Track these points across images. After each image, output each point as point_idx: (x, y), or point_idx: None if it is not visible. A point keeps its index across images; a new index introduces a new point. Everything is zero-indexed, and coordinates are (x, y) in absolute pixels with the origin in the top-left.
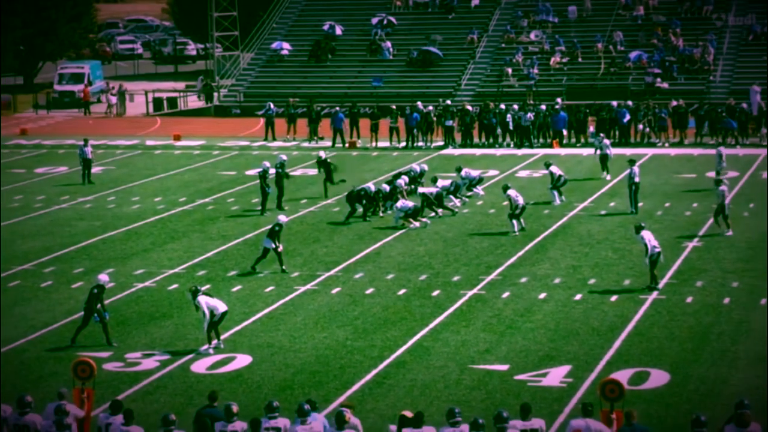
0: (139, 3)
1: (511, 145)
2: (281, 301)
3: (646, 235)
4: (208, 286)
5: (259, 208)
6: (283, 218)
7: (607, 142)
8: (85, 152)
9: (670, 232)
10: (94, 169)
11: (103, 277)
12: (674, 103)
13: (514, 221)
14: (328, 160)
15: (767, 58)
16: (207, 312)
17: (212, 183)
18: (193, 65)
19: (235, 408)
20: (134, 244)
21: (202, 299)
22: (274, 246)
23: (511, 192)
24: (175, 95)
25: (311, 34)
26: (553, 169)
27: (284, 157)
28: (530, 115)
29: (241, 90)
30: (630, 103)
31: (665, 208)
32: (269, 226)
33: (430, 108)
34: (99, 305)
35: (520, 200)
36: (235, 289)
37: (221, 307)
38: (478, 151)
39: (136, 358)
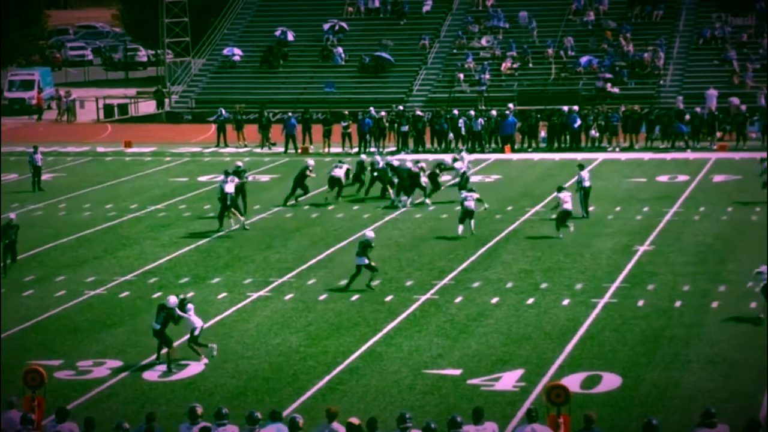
0: (90, 9)
1: (464, 151)
2: (234, 308)
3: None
4: (191, 294)
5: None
6: (370, 233)
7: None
8: (35, 159)
9: (621, 237)
10: (45, 177)
11: (172, 299)
12: (623, 108)
13: (562, 228)
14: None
15: (718, 62)
16: (198, 324)
17: (164, 189)
18: (144, 71)
19: (199, 410)
20: (85, 252)
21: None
22: (367, 262)
23: (563, 195)
24: (125, 102)
25: (263, 39)
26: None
27: (240, 164)
28: (481, 121)
29: (193, 96)
30: (576, 108)
31: (616, 212)
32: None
33: (383, 114)
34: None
35: (567, 205)
36: (187, 295)
37: (199, 322)
38: (430, 157)
39: (87, 366)
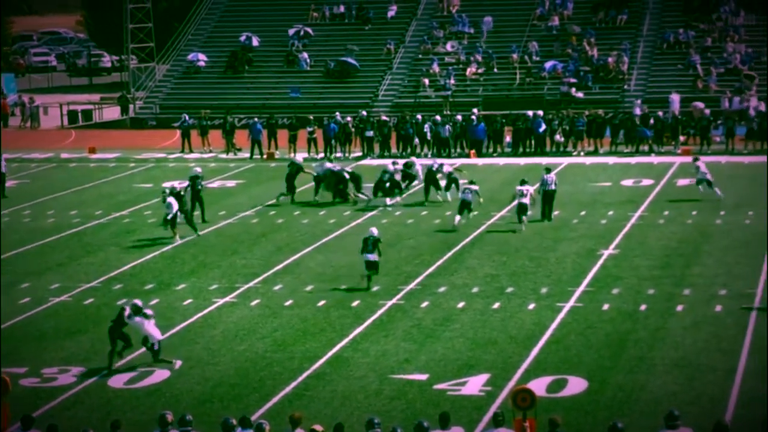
0: (54, 16)
1: (429, 155)
2: (199, 314)
3: None
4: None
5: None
6: (375, 230)
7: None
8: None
9: (586, 241)
10: (9, 183)
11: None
12: (587, 112)
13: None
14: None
15: (681, 66)
16: (155, 337)
17: (128, 196)
18: (108, 77)
19: (169, 417)
20: (50, 258)
21: (141, 321)
22: (377, 258)
23: (524, 188)
24: (90, 108)
25: (228, 45)
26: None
27: (199, 170)
28: (448, 127)
29: (157, 102)
30: (541, 113)
31: (581, 216)
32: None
33: (349, 119)
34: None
35: (525, 199)
36: (152, 302)
37: (157, 335)
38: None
39: (52, 374)
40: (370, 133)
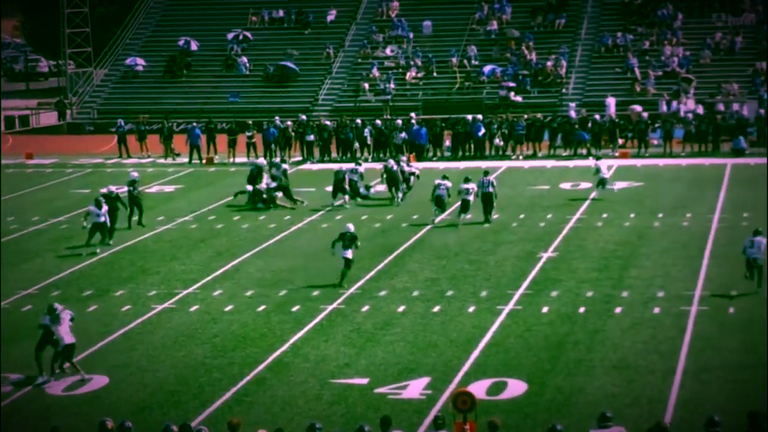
0: None
1: (369, 160)
2: (138, 320)
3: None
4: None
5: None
6: (351, 226)
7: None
8: None
9: (525, 244)
10: None
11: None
12: (526, 116)
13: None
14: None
15: (619, 69)
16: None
17: (66, 201)
18: (45, 82)
19: (110, 424)
20: None
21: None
22: (351, 256)
23: (468, 186)
24: (27, 113)
25: (166, 49)
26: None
27: (135, 174)
28: (404, 135)
29: (95, 107)
30: (480, 116)
31: (520, 219)
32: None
33: (289, 123)
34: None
35: (470, 196)
36: (90, 309)
37: (67, 338)
38: (336, 166)
39: None
40: (311, 138)
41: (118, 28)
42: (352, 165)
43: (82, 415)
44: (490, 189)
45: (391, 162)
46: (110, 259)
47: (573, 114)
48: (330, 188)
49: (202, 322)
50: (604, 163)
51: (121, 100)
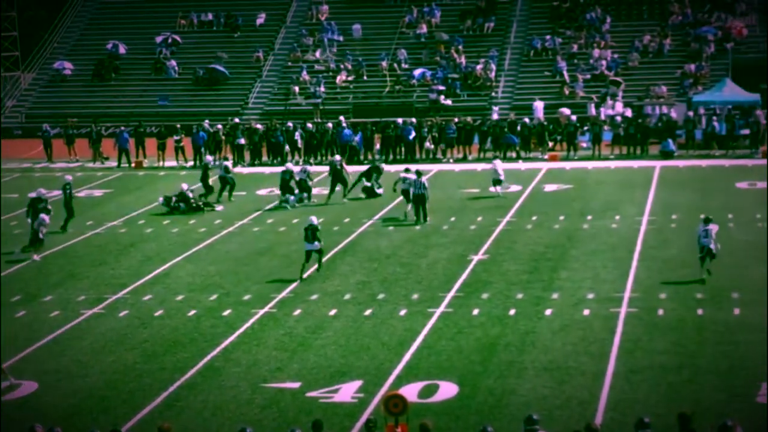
0: None
1: (300, 163)
2: (67, 326)
3: None
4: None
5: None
6: (314, 219)
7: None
8: None
9: (456, 246)
10: None
11: None
12: (456, 119)
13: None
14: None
15: (548, 73)
16: None
17: None
18: None
19: (39, 430)
20: None
21: None
22: (318, 246)
23: (409, 175)
24: None
25: (94, 53)
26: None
27: (69, 178)
28: (357, 138)
29: (23, 111)
30: (414, 120)
31: (451, 222)
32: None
33: (219, 126)
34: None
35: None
36: (18, 314)
37: None
38: (267, 170)
39: None
40: (242, 141)
41: (46, 31)
42: (302, 165)
43: (11, 420)
44: (422, 190)
45: (338, 157)
46: (39, 264)
47: (495, 116)
48: (261, 191)
49: (131, 327)
50: (500, 164)
51: (50, 104)
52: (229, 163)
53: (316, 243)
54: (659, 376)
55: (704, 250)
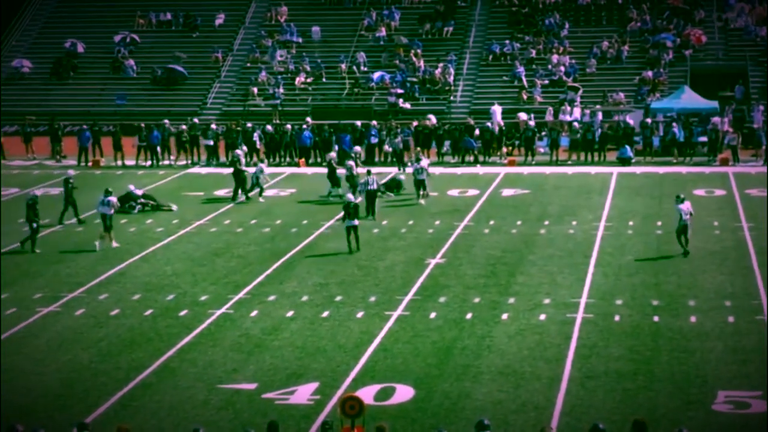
0: None
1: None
2: (23, 324)
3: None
4: None
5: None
6: (351, 196)
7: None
8: None
9: (414, 250)
10: None
11: None
12: (415, 123)
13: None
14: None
15: (506, 78)
16: None
17: None
18: None
19: (20, 428)
20: None
21: None
22: (357, 223)
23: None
24: None
25: (52, 51)
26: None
27: (71, 172)
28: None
29: None
30: (375, 123)
31: (409, 225)
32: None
33: (183, 127)
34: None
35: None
36: None
37: None
38: (225, 170)
39: None
40: (210, 142)
41: (4, 29)
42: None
43: None
44: (374, 186)
45: (332, 155)
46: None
47: (434, 121)
48: (219, 192)
49: (87, 326)
50: (425, 163)
51: (7, 102)
52: (263, 165)
53: (355, 221)
54: (615, 382)
55: (683, 226)
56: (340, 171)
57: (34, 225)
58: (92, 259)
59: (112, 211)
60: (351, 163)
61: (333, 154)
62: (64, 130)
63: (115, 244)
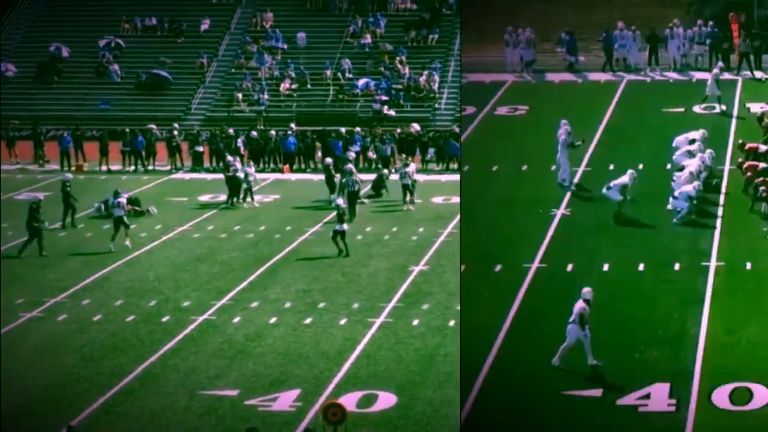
0: None
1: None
2: (5, 329)
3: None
4: None
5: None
6: (340, 201)
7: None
8: None
9: (397, 257)
10: None
11: None
12: (399, 130)
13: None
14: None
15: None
16: None
17: None
18: None
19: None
20: None
21: None
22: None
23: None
24: None
25: (37, 55)
26: None
27: (69, 175)
28: (291, 140)
29: None
30: (359, 129)
31: (392, 232)
32: None
33: (175, 132)
34: None
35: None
36: None
37: None
38: (209, 176)
39: None
40: (201, 149)
41: None
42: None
43: None
44: (356, 187)
45: (386, 171)
46: None
47: (413, 129)
48: (203, 197)
49: (70, 332)
50: (412, 167)
51: None
52: (250, 169)
53: (345, 225)
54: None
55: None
56: (338, 176)
57: (39, 228)
58: (75, 264)
59: (123, 212)
60: (350, 166)
61: (330, 160)
62: (46, 134)
63: (128, 243)
